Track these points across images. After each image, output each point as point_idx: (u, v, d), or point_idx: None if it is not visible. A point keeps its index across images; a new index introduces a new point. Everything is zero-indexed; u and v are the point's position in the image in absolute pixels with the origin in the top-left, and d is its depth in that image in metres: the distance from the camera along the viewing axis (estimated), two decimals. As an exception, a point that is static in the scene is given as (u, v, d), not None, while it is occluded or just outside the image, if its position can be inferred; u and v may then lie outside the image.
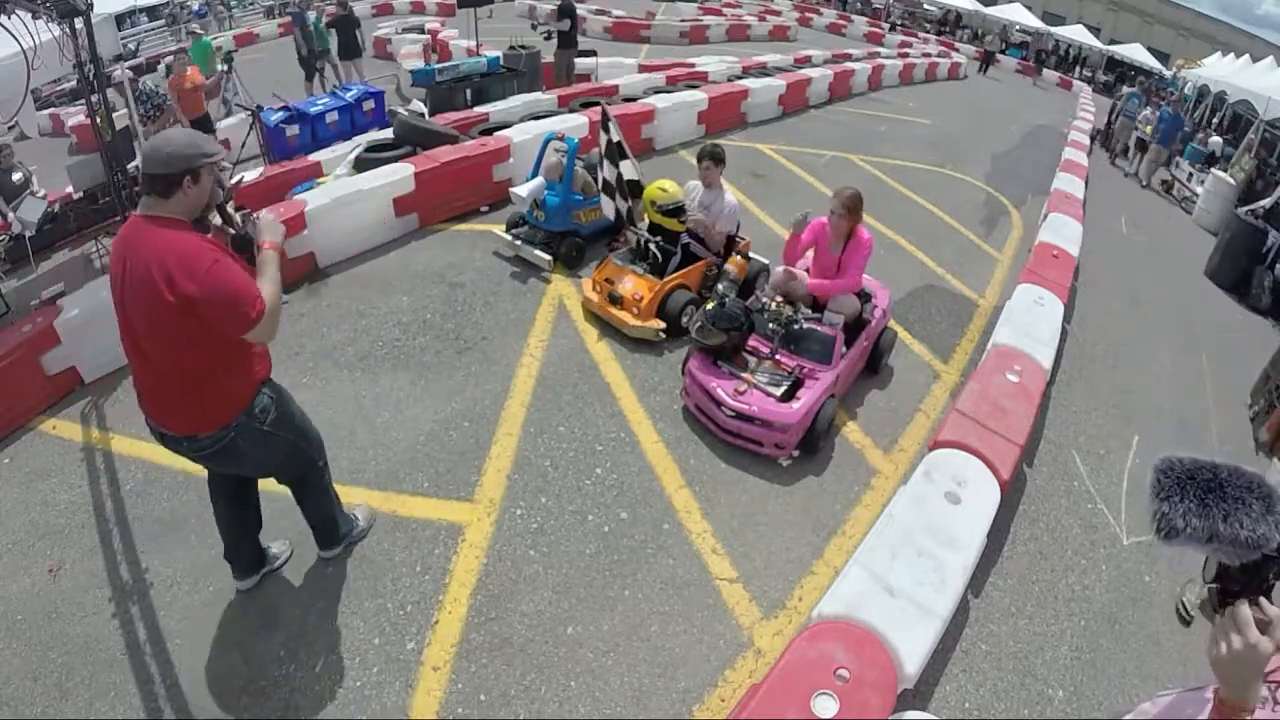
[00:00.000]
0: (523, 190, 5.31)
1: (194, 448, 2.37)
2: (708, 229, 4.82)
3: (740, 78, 11.21)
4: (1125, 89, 20.81)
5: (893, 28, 27.40)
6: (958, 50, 23.31)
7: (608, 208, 5.04)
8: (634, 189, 4.98)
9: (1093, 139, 14.11)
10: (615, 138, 4.86)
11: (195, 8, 20.91)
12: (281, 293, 2.29)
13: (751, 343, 4.09)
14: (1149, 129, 12.40)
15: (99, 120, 4.63)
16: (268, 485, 2.80)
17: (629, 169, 4.93)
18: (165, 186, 2.11)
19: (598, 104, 8.36)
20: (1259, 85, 13.80)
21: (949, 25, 30.83)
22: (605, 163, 4.95)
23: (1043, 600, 3.32)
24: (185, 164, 2.11)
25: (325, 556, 3.06)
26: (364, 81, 10.32)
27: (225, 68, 9.33)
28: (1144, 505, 1.23)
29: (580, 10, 18.39)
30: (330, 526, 2.99)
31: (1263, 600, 1.10)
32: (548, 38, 10.56)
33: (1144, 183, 12.27)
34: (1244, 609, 1.10)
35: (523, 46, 10.44)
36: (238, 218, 2.42)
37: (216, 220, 2.39)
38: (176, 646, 2.69)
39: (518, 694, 2.62)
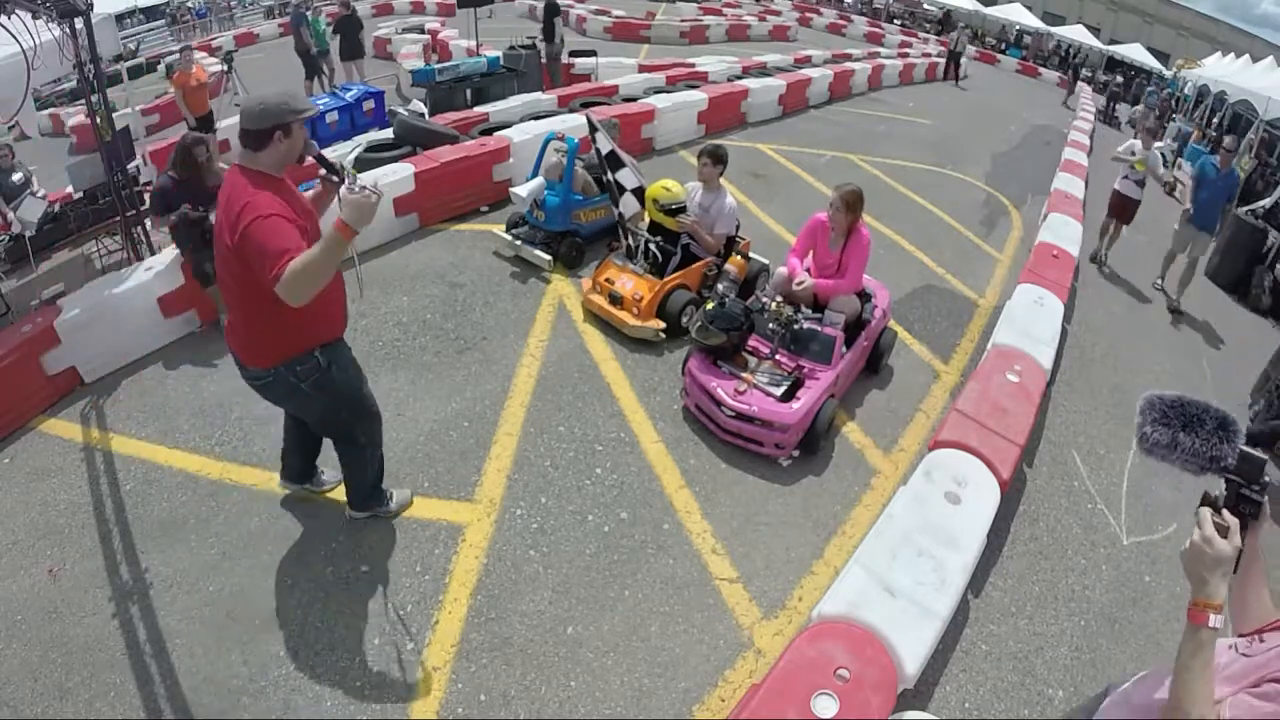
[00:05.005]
0: (523, 190, 5.30)
1: (246, 376, 2.62)
2: (699, 232, 4.81)
3: (740, 78, 11.21)
4: (1120, 78, 20.80)
5: (890, 19, 27.33)
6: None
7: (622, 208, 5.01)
8: (638, 195, 4.97)
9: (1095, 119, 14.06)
10: (605, 148, 4.84)
11: (196, 7, 20.95)
12: (338, 267, 2.32)
13: (751, 343, 4.09)
14: (1140, 165, 7.05)
15: (99, 120, 4.63)
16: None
17: (627, 177, 4.91)
18: (257, 141, 2.28)
19: (599, 104, 8.40)
20: (1259, 85, 13.84)
21: (943, 25, 30.77)
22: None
23: (1043, 600, 3.32)
24: (276, 119, 2.26)
25: (350, 515, 3.23)
26: (364, 81, 10.33)
27: (226, 67, 9.32)
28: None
29: (580, 10, 18.52)
30: (357, 493, 3.15)
31: (1225, 511, 1.29)
32: (530, 47, 10.58)
33: (1173, 303, 6.99)
34: (1204, 510, 1.29)
35: (523, 47, 10.45)
36: (338, 165, 2.51)
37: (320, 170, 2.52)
38: (176, 646, 2.69)
39: (518, 694, 2.62)
